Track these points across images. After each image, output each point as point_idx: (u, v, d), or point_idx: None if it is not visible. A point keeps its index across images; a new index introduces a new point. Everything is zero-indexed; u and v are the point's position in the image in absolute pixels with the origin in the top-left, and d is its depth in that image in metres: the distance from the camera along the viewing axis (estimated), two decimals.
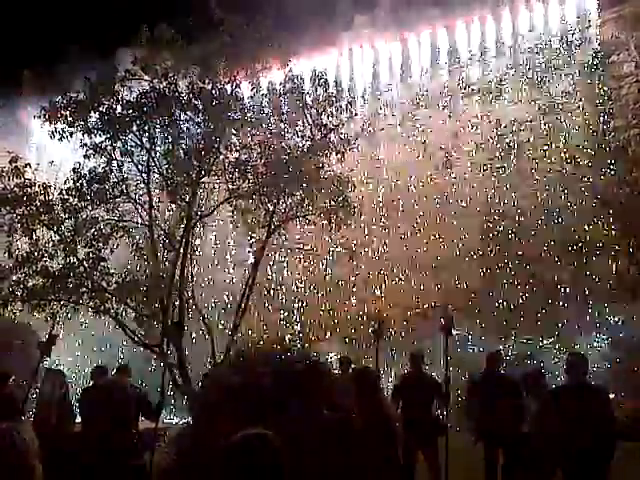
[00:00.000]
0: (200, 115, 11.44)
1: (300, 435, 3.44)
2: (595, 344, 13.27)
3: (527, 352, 13.70)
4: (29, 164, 11.19)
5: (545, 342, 14.04)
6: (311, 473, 3.31)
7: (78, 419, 6.84)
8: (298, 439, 3.30)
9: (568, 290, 14.29)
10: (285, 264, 17.29)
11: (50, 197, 11.05)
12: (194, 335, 13.31)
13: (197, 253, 12.40)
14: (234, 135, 11.59)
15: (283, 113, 11.77)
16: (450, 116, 17.14)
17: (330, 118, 11.67)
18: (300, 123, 11.75)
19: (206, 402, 3.73)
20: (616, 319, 13.34)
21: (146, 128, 11.41)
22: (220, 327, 13.65)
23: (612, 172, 14.70)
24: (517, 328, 14.38)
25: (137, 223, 11.59)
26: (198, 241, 12.45)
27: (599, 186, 14.64)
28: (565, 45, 16.08)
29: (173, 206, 11.74)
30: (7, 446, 2.19)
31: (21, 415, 6.98)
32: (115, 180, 11.39)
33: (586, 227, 14.49)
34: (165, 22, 11.45)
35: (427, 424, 7.25)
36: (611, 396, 10.60)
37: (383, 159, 17.62)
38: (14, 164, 10.97)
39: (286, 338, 14.47)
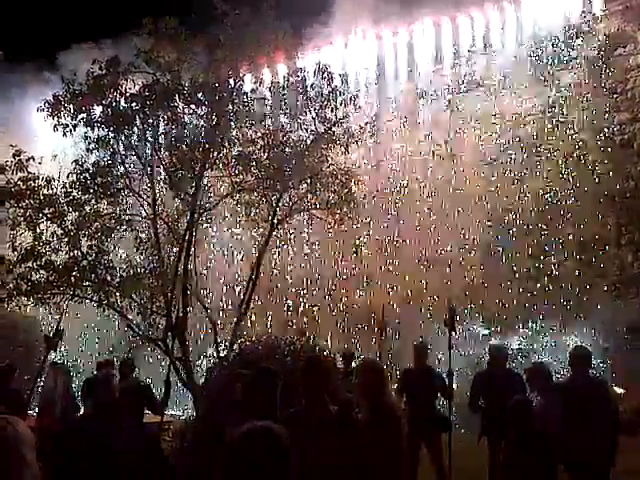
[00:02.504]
0: (203, 108, 11.40)
1: (304, 429, 3.43)
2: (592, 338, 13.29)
3: (531, 346, 13.69)
4: (32, 157, 11.16)
5: (549, 336, 14.03)
6: (316, 468, 3.30)
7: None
8: (303, 433, 3.28)
9: (573, 284, 14.27)
10: (289, 258, 17.29)
11: (54, 191, 11.03)
12: (198, 329, 13.33)
13: (201, 247, 12.38)
14: (238, 128, 11.55)
15: (287, 106, 11.72)
16: (454, 110, 17.08)
17: (334, 111, 11.62)
18: (304, 116, 11.70)
19: (211, 396, 3.72)
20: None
21: (150, 121, 11.38)
22: (224, 321, 13.65)
23: (617, 166, 14.63)
24: (522, 322, 14.37)
25: (141, 217, 11.57)
26: (202, 235, 12.42)
27: (604, 180, 14.58)
28: (570, 38, 15.97)
29: (177, 200, 11.70)
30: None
31: (26, 409, 6.99)
32: (119, 174, 11.36)
33: (591, 221, 14.45)
34: (168, 14, 11.39)
35: (431, 419, 7.24)
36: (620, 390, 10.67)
37: (387, 153, 17.57)
38: (17, 158, 10.95)
39: (290, 332, 14.46)
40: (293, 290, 17.42)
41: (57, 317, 8.45)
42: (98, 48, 14.91)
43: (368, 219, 16.14)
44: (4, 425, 2.23)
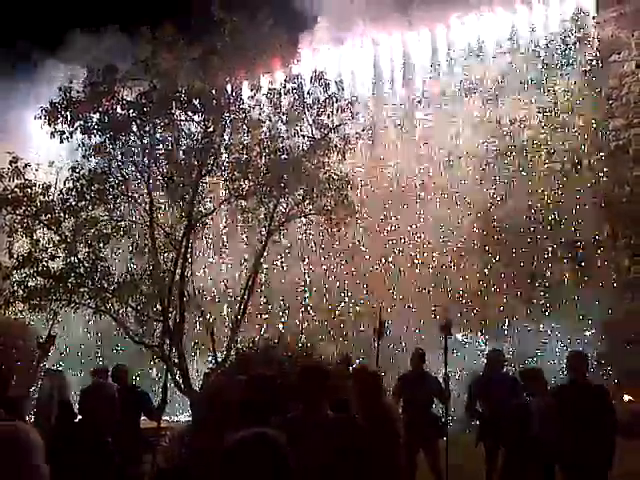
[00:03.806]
0: (200, 115, 11.44)
1: (302, 435, 3.44)
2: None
3: (527, 351, 13.70)
4: (29, 164, 11.18)
5: (545, 340, 14.06)
6: (313, 473, 3.30)
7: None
8: (299, 438, 3.29)
9: (569, 289, 14.31)
10: (285, 263, 17.29)
11: (50, 197, 11.05)
12: (195, 335, 13.32)
13: (197, 253, 12.39)
14: (234, 135, 11.60)
15: (283, 113, 11.77)
16: (450, 116, 17.13)
17: (330, 118, 11.67)
18: (300, 123, 11.74)
19: (209, 402, 3.73)
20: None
21: (146, 128, 11.41)
22: (221, 327, 13.64)
23: (612, 172, 14.70)
24: (518, 327, 14.39)
25: (137, 223, 11.59)
26: (198, 241, 12.43)
27: (600, 185, 14.65)
28: (565, 44, 16.07)
29: (174, 206, 11.73)
30: (11, 444, 2.18)
31: (21, 416, 6.97)
32: (115, 180, 11.39)
33: (587, 226, 14.51)
34: (166, 21, 11.44)
35: (428, 424, 7.24)
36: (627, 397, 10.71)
37: (384, 159, 17.61)
38: (14, 164, 10.97)
39: (287, 338, 14.48)
40: (290, 295, 17.41)
41: (50, 323, 8.44)
42: (96, 45, 14.89)
43: (364, 225, 16.15)
44: (15, 431, 2.23)
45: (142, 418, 7.39)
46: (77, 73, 12.03)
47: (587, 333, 13.62)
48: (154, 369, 14.45)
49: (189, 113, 11.44)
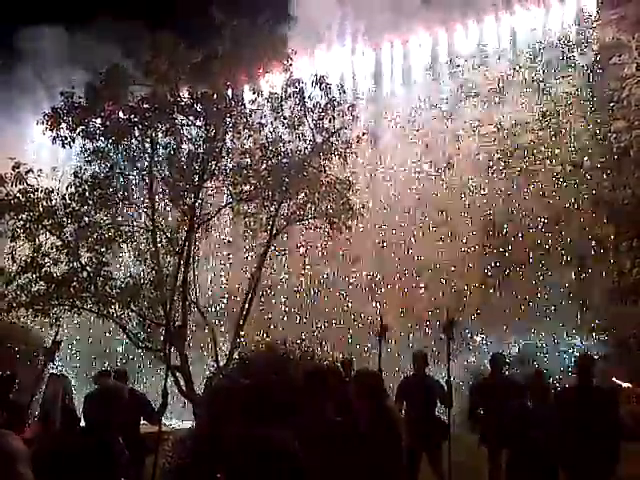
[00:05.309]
0: (201, 119, 11.47)
1: (306, 437, 3.45)
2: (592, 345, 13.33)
3: (531, 353, 13.69)
4: (31, 170, 11.22)
5: (547, 343, 14.05)
6: (317, 475, 3.31)
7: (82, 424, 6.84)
8: (304, 441, 3.30)
9: (570, 291, 14.31)
10: (287, 267, 17.31)
11: (53, 202, 11.08)
12: (197, 339, 13.32)
13: (199, 257, 12.41)
14: (236, 139, 11.62)
15: (284, 117, 11.79)
16: (452, 119, 17.16)
17: (332, 122, 11.69)
18: (302, 127, 11.76)
19: (213, 405, 3.74)
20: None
21: (148, 133, 11.44)
22: (223, 331, 13.65)
23: (614, 174, 14.71)
24: (519, 330, 14.38)
25: (140, 228, 11.62)
26: (200, 245, 12.45)
27: (602, 188, 14.65)
28: (566, 47, 16.10)
29: (176, 210, 11.75)
30: None
31: (25, 421, 6.98)
32: (117, 185, 11.41)
33: (588, 229, 14.51)
34: (166, 25, 11.49)
35: (430, 426, 7.24)
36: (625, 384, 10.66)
37: (385, 162, 17.64)
38: (17, 170, 11.00)
39: (288, 341, 14.50)
40: (292, 299, 17.42)
41: (56, 328, 8.46)
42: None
43: (365, 228, 16.17)
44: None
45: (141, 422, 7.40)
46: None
47: (589, 335, 13.61)
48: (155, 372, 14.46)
49: (190, 118, 11.47)
